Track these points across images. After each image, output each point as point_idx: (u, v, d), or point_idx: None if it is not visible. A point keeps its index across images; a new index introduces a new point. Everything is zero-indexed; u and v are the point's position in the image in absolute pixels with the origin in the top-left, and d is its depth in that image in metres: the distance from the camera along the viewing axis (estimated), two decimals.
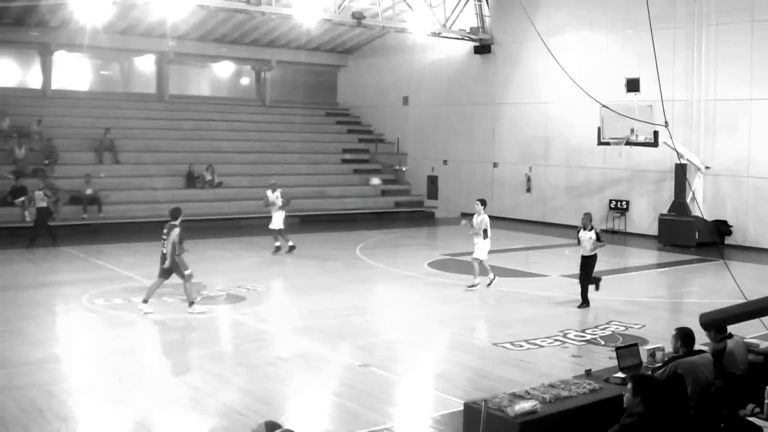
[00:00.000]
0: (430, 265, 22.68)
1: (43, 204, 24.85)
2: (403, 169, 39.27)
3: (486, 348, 14.05)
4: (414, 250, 26.36)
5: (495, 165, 35.46)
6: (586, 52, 30.96)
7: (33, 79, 36.50)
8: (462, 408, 9.40)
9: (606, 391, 9.11)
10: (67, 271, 21.16)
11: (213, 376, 12.15)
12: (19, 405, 10.70)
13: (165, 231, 16.03)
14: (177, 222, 16.07)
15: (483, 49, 35.55)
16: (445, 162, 37.78)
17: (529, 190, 34.01)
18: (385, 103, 40.65)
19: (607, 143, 28.53)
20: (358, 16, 31.85)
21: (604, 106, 27.55)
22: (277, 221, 24.38)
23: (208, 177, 32.32)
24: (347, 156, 38.62)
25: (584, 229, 17.40)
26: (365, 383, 11.96)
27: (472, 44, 35.90)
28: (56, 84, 36.05)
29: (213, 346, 14.40)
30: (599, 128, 28.37)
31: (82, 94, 37.14)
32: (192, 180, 32.09)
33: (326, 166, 37.32)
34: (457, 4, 34.08)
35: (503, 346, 14.01)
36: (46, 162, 30.03)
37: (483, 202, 19.36)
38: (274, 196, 24.54)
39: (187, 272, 16.06)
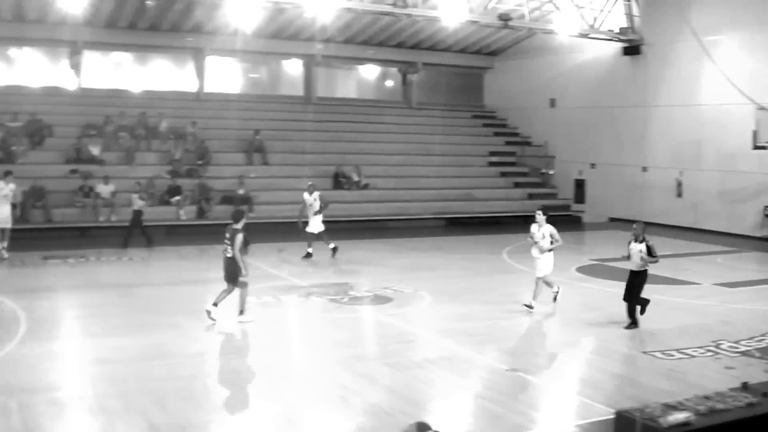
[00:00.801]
0: (579, 270, 22.38)
1: (139, 207, 25.16)
2: (550, 173, 38.82)
3: (634, 356, 13.81)
4: (561, 255, 25.90)
5: (644, 169, 34.67)
6: (741, 51, 29.93)
7: (188, 82, 37.79)
8: (610, 416, 9.30)
9: (764, 406, 8.84)
10: (219, 269, 21.69)
11: (360, 375, 12.35)
12: (179, 395, 11.19)
13: (227, 235, 15.44)
14: (240, 226, 15.51)
15: (632, 50, 34.78)
16: (592, 165, 37.15)
17: (680, 195, 33.10)
18: (531, 105, 40.25)
19: (763, 147, 27.58)
20: (505, 18, 31.64)
21: (761, 107, 26.73)
22: (315, 225, 23.55)
23: (355, 178, 32.74)
24: (494, 159, 38.40)
25: (635, 240, 15.59)
26: (511, 387, 11.95)
27: (620, 45, 35.17)
28: (209, 87, 37.22)
29: (360, 346, 14.65)
30: (754, 132, 27.45)
31: (233, 97, 38.19)
32: (339, 181, 32.58)
33: (473, 168, 37.24)
34: (605, 4, 33.48)
35: (653, 355, 13.73)
36: (200, 162, 31.11)
37: (545, 211, 17.52)
38: (312, 198, 23.71)
39: (243, 279, 15.40)
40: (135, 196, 25.25)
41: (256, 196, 30.00)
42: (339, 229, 29.48)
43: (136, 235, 24.68)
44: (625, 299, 15.75)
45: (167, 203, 28.50)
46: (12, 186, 22.69)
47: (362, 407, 10.99)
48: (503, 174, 37.75)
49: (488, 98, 43.66)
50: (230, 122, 34.25)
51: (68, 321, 13.69)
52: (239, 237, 15.22)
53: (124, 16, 33.26)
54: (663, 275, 21.59)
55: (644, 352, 13.87)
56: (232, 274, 15.40)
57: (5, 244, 22.21)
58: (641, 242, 15.46)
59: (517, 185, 37.30)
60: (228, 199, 29.55)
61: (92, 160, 29.79)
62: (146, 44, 35.82)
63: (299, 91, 39.77)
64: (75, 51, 34.13)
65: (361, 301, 17.89)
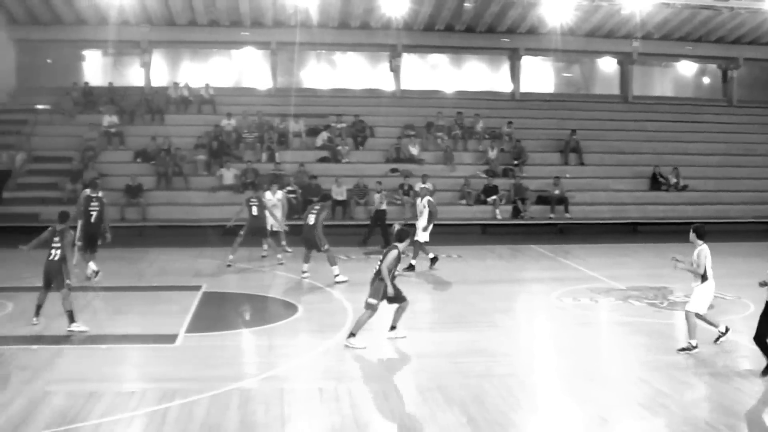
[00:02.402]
0: None
1: (383, 207, 25.68)
2: None
3: None
4: None
5: None
6: None
7: (503, 82, 38.38)
8: None
9: None
10: (535, 268, 22.09)
11: (680, 383, 12.10)
12: (497, 392, 11.49)
13: (384, 251, 14.26)
14: (401, 245, 14.14)
15: None
16: None
17: None
18: None
19: None
20: None
21: None
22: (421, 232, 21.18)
23: (673, 179, 31.85)
24: None
25: None
26: None
27: None
28: (524, 87, 37.65)
29: (678, 352, 14.29)
30: None
31: (548, 96, 38.34)
32: (656, 182, 31.84)
33: None
34: None
35: None
36: (515, 162, 31.57)
37: (697, 231, 14.57)
38: (422, 204, 21.59)
39: (370, 300, 13.87)
40: (377, 196, 26.09)
41: (573, 197, 29.96)
42: (656, 231, 28.93)
43: (375, 233, 25.45)
44: (758, 338, 12.72)
45: (483, 202, 29.15)
46: (279, 195, 24.06)
47: (682, 416, 10.73)
48: None
49: None
50: (545, 122, 34.47)
51: (389, 314, 14.35)
52: (391, 254, 13.85)
53: (442, 19, 34.47)
54: None
55: None
56: (391, 296, 14.00)
57: (284, 242, 23.33)
58: None
59: None
60: (543, 199, 29.76)
61: (411, 159, 31.10)
62: (462, 46, 36.95)
63: (614, 90, 39.38)
64: (394, 54, 35.78)
65: (680, 306, 17.38)
